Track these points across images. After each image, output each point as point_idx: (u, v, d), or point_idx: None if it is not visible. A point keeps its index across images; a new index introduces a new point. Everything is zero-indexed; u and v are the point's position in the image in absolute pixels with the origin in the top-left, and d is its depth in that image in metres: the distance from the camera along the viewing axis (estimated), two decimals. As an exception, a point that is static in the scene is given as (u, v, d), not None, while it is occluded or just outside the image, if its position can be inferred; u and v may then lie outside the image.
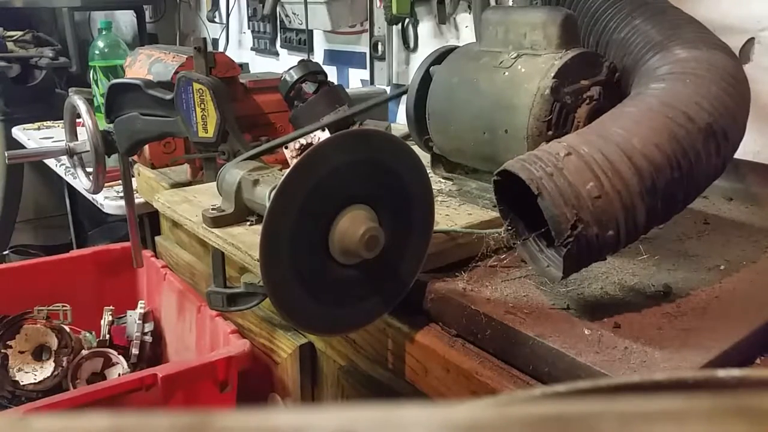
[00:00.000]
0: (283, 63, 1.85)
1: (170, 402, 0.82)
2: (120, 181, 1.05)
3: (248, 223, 0.70)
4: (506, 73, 0.68)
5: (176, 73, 0.96)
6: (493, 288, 0.59)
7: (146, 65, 1.10)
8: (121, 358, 1.09)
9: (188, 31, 2.35)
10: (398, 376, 0.62)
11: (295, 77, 0.94)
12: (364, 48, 1.56)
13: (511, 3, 1.08)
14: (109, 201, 1.28)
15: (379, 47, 1.49)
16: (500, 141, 0.68)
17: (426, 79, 0.79)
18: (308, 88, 0.94)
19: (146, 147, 1.09)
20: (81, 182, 1.08)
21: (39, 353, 1.08)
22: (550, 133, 0.64)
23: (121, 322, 1.17)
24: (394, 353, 0.62)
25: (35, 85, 2.16)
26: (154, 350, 1.16)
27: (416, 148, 0.61)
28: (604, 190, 0.50)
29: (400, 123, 1.43)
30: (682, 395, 0.13)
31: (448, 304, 0.58)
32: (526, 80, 0.66)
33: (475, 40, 0.80)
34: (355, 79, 1.63)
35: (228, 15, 2.05)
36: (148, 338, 1.14)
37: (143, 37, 2.27)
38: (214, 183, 0.75)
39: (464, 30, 1.30)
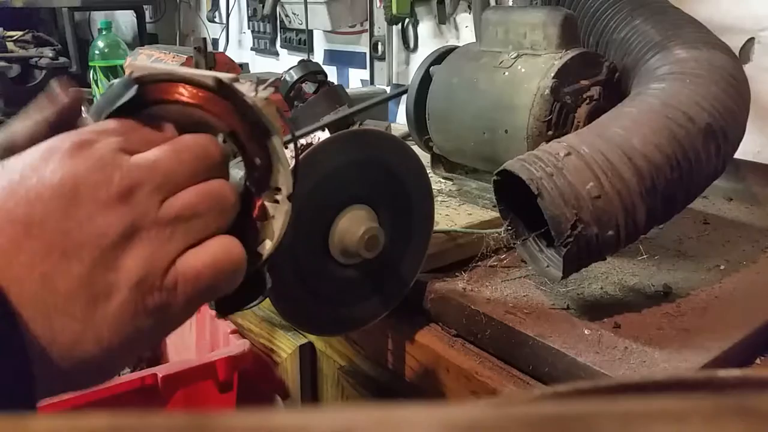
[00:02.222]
0: (283, 63, 1.85)
1: (170, 402, 0.82)
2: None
3: (248, 223, 0.69)
4: (506, 73, 0.68)
5: (176, 73, 0.96)
6: (493, 288, 0.59)
7: (146, 65, 1.10)
8: (121, 358, 1.09)
9: (188, 31, 2.35)
10: (398, 376, 0.62)
11: (295, 77, 0.94)
12: (364, 48, 1.56)
13: (511, 3, 1.08)
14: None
15: (379, 47, 1.49)
16: (500, 141, 0.68)
17: (426, 79, 0.79)
18: (308, 88, 0.94)
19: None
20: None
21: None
22: (550, 133, 0.64)
23: (121, 322, 1.17)
24: (394, 353, 0.62)
25: (35, 85, 2.16)
26: (154, 350, 1.16)
27: (416, 148, 0.61)
28: (604, 190, 0.50)
29: (400, 123, 1.43)
30: (682, 395, 0.13)
31: (448, 304, 0.58)
32: (526, 80, 0.66)
33: (475, 40, 0.80)
34: (355, 79, 1.63)
35: (228, 15, 2.05)
36: (148, 338, 1.14)
37: (143, 37, 2.27)
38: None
39: (464, 30, 1.30)
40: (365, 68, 1.57)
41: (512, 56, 0.69)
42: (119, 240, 0.30)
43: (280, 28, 1.83)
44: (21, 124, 0.35)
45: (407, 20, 1.39)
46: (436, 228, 0.61)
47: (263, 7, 1.57)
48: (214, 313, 0.98)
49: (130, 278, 0.30)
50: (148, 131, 0.33)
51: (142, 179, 0.31)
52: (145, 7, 2.32)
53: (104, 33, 1.52)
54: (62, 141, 0.31)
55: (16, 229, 0.29)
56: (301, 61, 0.97)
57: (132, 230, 0.30)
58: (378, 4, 1.45)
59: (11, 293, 0.28)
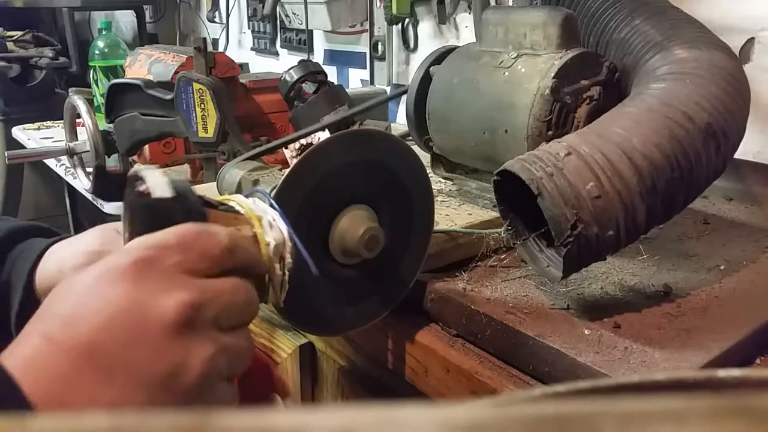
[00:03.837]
0: (283, 63, 1.85)
1: (170, 402, 0.82)
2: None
3: (248, 223, 0.69)
4: (506, 73, 0.68)
5: (176, 73, 0.96)
6: (493, 288, 0.59)
7: (146, 65, 1.10)
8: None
9: (188, 31, 2.35)
10: (398, 376, 0.62)
11: (295, 77, 0.94)
12: (364, 48, 1.56)
13: (511, 3, 1.08)
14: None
15: (379, 47, 1.49)
16: (500, 141, 0.68)
17: (426, 79, 0.79)
18: (308, 88, 0.94)
19: (146, 147, 1.09)
20: (81, 182, 1.08)
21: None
22: (550, 133, 0.64)
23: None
24: (394, 353, 0.62)
25: (35, 85, 2.16)
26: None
27: (416, 148, 0.61)
28: (604, 190, 0.50)
29: (400, 123, 1.43)
30: (682, 395, 0.13)
31: (448, 304, 0.58)
32: (526, 80, 0.66)
33: (475, 40, 0.80)
34: (355, 79, 1.63)
35: (228, 15, 2.05)
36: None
37: (143, 37, 2.27)
38: (214, 183, 0.75)
39: (464, 30, 1.30)
40: (365, 68, 1.57)
41: (512, 56, 0.69)
42: (180, 369, 0.30)
43: (280, 28, 1.83)
44: None
45: (407, 20, 1.39)
46: (436, 228, 0.61)
47: (263, 7, 1.57)
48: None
49: (192, 400, 0.31)
50: (203, 244, 0.34)
51: (206, 305, 0.32)
52: (145, 7, 2.32)
53: (104, 33, 1.52)
54: (125, 257, 0.31)
55: (78, 355, 0.28)
56: (301, 61, 0.97)
57: (193, 358, 0.31)
58: (378, 4, 1.45)
59: None
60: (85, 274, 0.31)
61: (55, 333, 0.29)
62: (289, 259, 0.41)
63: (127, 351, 0.29)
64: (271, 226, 0.40)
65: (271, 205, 0.41)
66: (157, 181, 0.37)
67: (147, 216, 0.36)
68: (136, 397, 0.29)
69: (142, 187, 0.37)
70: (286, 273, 0.41)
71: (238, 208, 0.41)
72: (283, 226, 0.40)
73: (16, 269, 0.47)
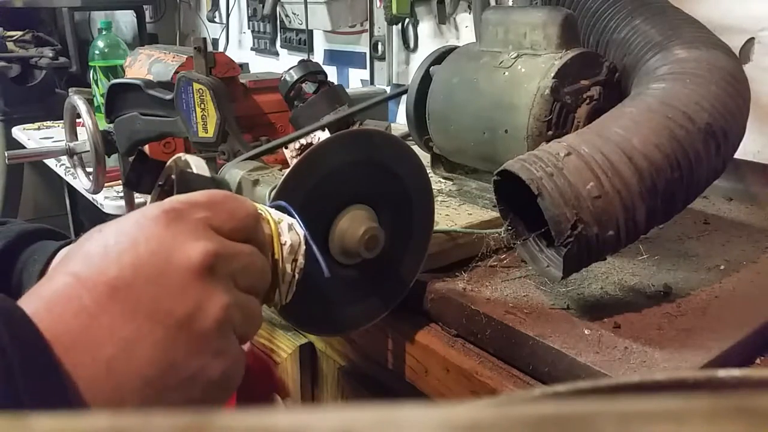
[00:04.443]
0: (283, 63, 1.85)
1: (170, 402, 0.82)
2: (120, 181, 1.05)
3: (248, 223, 0.69)
4: (506, 73, 0.68)
5: (176, 73, 0.96)
6: (493, 288, 0.59)
7: (146, 65, 1.10)
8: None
9: (188, 31, 2.35)
10: (398, 376, 0.62)
11: (295, 77, 0.94)
12: (364, 48, 1.56)
13: (511, 3, 1.08)
14: (109, 201, 1.28)
15: (379, 47, 1.49)
16: (500, 141, 0.68)
17: (426, 79, 0.79)
18: (308, 88, 0.94)
19: (146, 147, 1.09)
20: (81, 182, 1.08)
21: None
22: (550, 133, 0.64)
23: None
24: (394, 353, 0.62)
25: (35, 85, 2.16)
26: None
27: (416, 148, 0.61)
28: (604, 190, 0.50)
29: (400, 123, 1.43)
30: (682, 395, 0.13)
31: (448, 304, 0.58)
32: (526, 80, 0.66)
33: (475, 40, 0.80)
34: (355, 79, 1.63)
35: (228, 15, 2.05)
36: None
37: (143, 37, 2.27)
38: (214, 183, 0.75)
39: (464, 30, 1.30)
40: (365, 68, 1.57)
41: (512, 56, 0.69)
42: (198, 311, 0.31)
43: (280, 28, 1.83)
44: None
45: (407, 20, 1.39)
46: (436, 228, 0.61)
47: (263, 7, 1.58)
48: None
49: (206, 345, 0.32)
50: (230, 206, 0.37)
51: (227, 258, 0.34)
52: (145, 7, 2.32)
53: (104, 33, 1.52)
54: (156, 208, 0.34)
55: (102, 290, 0.29)
56: (301, 61, 0.97)
57: (211, 302, 0.32)
58: (378, 4, 1.45)
59: (85, 355, 0.28)
60: (114, 222, 0.33)
61: (81, 271, 0.30)
62: (301, 260, 0.42)
63: (151, 289, 0.30)
64: (289, 229, 0.42)
65: (291, 215, 0.44)
66: (199, 164, 0.45)
67: (184, 185, 0.41)
68: (154, 335, 0.29)
69: (186, 168, 0.43)
70: (297, 275, 0.42)
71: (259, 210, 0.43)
72: (300, 230, 0.43)
73: (28, 271, 0.49)
